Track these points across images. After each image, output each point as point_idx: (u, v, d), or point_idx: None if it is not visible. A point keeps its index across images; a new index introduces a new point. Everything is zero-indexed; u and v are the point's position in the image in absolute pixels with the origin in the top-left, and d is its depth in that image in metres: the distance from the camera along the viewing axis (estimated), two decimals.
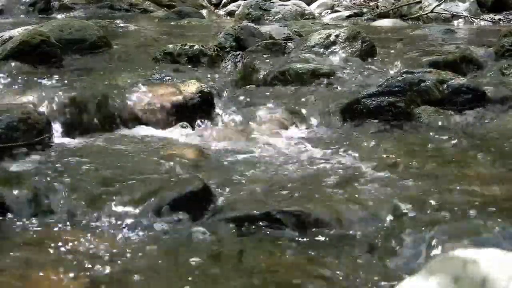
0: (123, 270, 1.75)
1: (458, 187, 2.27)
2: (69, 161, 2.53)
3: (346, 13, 8.51)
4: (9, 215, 2.08)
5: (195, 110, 3.27)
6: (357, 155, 2.71)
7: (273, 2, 7.78)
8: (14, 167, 2.41)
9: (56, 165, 2.46)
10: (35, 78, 3.47)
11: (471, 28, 7.23)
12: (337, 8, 8.99)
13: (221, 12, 9.38)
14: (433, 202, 2.11)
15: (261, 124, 3.21)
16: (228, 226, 2.00)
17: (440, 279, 1.13)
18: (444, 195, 2.18)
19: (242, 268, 1.78)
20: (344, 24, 6.65)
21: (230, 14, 8.80)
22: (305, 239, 1.93)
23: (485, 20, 7.72)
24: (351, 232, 1.96)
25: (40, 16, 7.61)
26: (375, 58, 4.41)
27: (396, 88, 3.32)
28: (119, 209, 2.07)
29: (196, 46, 4.17)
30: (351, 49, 4.42)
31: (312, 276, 1.72)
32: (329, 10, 8.86)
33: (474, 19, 7.65)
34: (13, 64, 3.69)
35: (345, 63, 4.15)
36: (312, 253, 1.85)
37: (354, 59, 4.28)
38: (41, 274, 1.72)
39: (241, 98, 3.53)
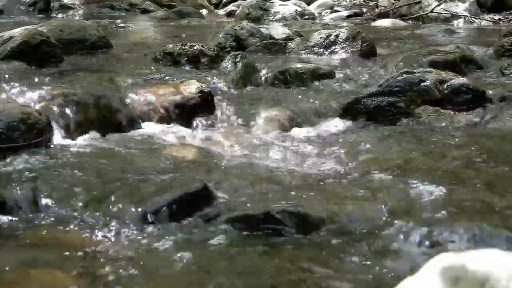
0: (123, 270, 1.75)
1: (458, 187, 2.27)
2: (69, 161, 2.53)
3: (346, 13, 8.51)
4: (9, 215, 2.08)
5: (195, 110, 3.27)
6: (357, 155, 2.71)
7: (273, 2, 7.78)
8: (14, 167, 2.41)
9: (56, 165, 2.46)
10: (35, 78, 3.46)
11: (471, 28, 7.23)
12: (337, 8, 9.00)
13: (221, 12, 9.38)
14: (433, 202, 2.12)
15: (261, 124, 3.21)
16: (228, 226, 2.00)
17: (440, 279, 1.13)
18: (444, 194, 2.19)
19: (242, 268, 1.78)
20: (344, 24, 6.65)
21: (230, 14, 8.80)
22: (305, 239, 1.93)
23: (485, 20, 7.72)
24: (351, 231, 1.97)
25: (40, 16, 7.61)
26: (375, 58, 4.41)
27: (396, 88, 3.33)
28: (119, 209, 2.07)
29: (196, 46, 4.17)
30: (351, 49, 4.43)
31: (312, 275, 1.72)
32: (329, 10, 8.87)
33: (474, 19, 7.65)
34: (13, 64, 3.68)
35: (345, 63, 4.16)
36: (312, 253, 1.85)
37: (354, 59, 4.29)
38: (41, 274, 1.72)
39: (241, 98, 3.53)
